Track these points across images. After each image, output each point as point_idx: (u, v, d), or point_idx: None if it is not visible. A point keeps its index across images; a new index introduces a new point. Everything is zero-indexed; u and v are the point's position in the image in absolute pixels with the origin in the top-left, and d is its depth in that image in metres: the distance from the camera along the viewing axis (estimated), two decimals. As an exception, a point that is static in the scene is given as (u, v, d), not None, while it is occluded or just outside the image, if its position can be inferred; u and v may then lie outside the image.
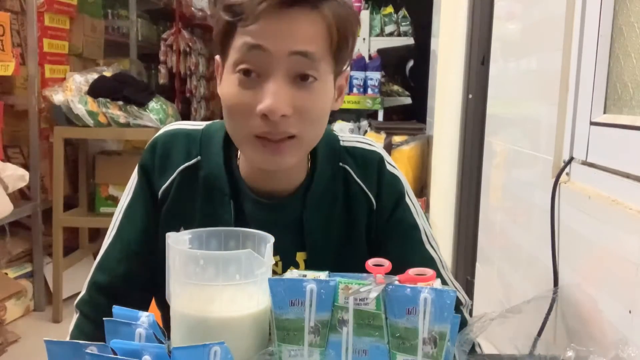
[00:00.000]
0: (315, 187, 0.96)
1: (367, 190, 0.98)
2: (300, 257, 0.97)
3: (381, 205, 0.99)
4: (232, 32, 0.83)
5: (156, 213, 0.98)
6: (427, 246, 1.01)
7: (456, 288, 1.03)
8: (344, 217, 0.98)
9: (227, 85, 0.86)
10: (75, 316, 1.01)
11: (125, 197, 1.02)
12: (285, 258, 0.98)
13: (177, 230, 0.94)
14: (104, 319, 0.73)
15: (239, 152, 0.97)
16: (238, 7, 0.80)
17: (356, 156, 0.99)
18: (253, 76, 0.82)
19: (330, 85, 0.88)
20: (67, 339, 0.98)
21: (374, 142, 1.04)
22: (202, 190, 0.96)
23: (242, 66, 0.82)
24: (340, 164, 0.98)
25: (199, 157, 0.97)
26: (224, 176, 0.95)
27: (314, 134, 0.88)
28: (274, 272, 0.96)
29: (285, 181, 0.96)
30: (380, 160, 1.00)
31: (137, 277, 0.98)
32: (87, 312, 0.99)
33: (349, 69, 0.96)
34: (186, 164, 0.97)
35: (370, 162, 0.99)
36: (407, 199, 1.01)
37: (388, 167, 1.01)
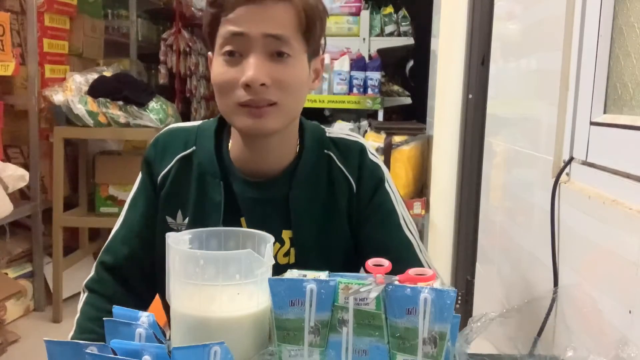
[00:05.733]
0: (301, 168, 1.05)
1: (348, 175, 1.07)
2: (286, 234, 1.05)
3: (361, 189, 1.07)
4: (216, 23, 0.97)
5: (156, 199, 1.08)
6: (405, 230, 1.07)
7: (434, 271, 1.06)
8: (327, 198, 1.06)
9: (216, 67, 0.98)
10: (84, 295, 1.09)
11: (132, 192, 1.12)
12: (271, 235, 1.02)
13: (175, 213, 1.07)
14: (104, 319, 0.73)
15: (230, 140, 1.07)
16: (220, 1, 0.95)
17: (340, 145, 1.09)
18: (236, 56, 0.95)
19: (304, 63, 0.99)
20: (76, 317, 1.06)
21: (358, 135, 1.14)
22: (196, 175, 1.06)
23: (226, 48, 0.95)
24: (325, 150, 1.08)
25: (194, 147, 1.08)
26: (214, 161, 1.05)
27: (291, 102, 0.98)
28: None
29: (272, 160, 1.05)
30: (362, 149, 1.09)
31: (139, 258, 1.08)
32: (96, 288, 1.08)
33: (324, 55, 1.08)
34: (183, 153, 1.08)
35: (352, 150, 1.09)
36: (386, 186, 1.09)
37: (370, 155, 1.09)
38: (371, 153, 1.10)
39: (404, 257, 1.04)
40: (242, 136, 1.03)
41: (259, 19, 0.93)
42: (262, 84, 0.93)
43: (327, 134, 1.10)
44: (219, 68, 0.97)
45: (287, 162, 1.06)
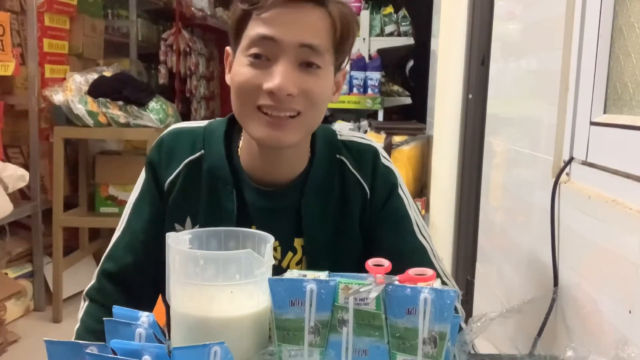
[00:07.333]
0: (313, 176, 1.01)
1: (362, 181, 1.04)
2: (298, 242, 1.03)
3: (375, 195, 1.04)
4: (246, 21, 0.91)
5: (162, 205, 1.03)
6: (419, 236, 1.05)
7: (447, 277, 1.06)
8: (340, 205, 1.03)
9: (238, 66, 0.93)
10: (85, 304, 1.06)
11: (133, 193, 1.07)
12: (284, 244, 1.02)
13: (184, 220, 1.02)
14: (104, 319, 0.73)
15: (240, 145, 1.03)
16: None
17: (352, 149, 1.05)
18: (263, 59, 0.90)
19: (331, 75, 0.96)
20: (76, 327, 1.03)
21: (370, 138, 1.10)
22: (206, 182, 1.01)
23: (253, 50, 0.90)
24: (338, 156, 1.04)
25: (202, 151, 1.03)
26: (226, 168, 1.00)
27: (315, 115, 0.95)
28: (274, 257, 0.98)
29: (285, 170, 1.01)
30: (375, 153, 1.06)
31: (144, 266, 1.03)
32: (97, 298, 1.04)
33: (347, 67, 1.04)
34: (191, 158, 1.02)
35: (365, 155, 1.05)
36: (399, 191, 1.06)
37: (383, 160, 1.06)
38: (384, 157, 1.07)
39: (419, 264, 1.01)
40: (256, 144, 0.98)
41: (295, 24, 0.88)
42: (289, 94, 0.89)
43: (339, 137, 1.06)
44: (241, 68, 0.92)
45: (299, 170, 1.02)
